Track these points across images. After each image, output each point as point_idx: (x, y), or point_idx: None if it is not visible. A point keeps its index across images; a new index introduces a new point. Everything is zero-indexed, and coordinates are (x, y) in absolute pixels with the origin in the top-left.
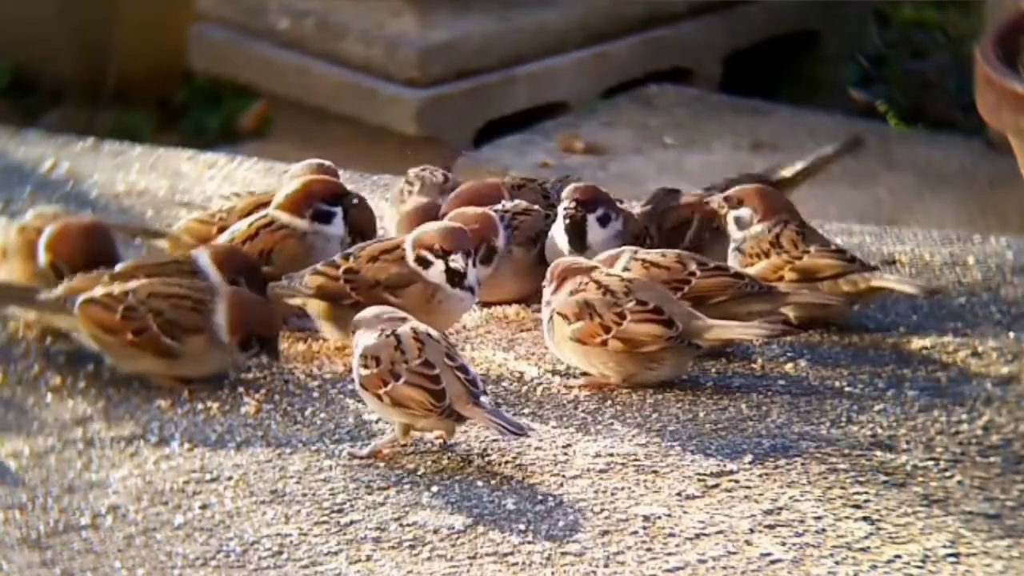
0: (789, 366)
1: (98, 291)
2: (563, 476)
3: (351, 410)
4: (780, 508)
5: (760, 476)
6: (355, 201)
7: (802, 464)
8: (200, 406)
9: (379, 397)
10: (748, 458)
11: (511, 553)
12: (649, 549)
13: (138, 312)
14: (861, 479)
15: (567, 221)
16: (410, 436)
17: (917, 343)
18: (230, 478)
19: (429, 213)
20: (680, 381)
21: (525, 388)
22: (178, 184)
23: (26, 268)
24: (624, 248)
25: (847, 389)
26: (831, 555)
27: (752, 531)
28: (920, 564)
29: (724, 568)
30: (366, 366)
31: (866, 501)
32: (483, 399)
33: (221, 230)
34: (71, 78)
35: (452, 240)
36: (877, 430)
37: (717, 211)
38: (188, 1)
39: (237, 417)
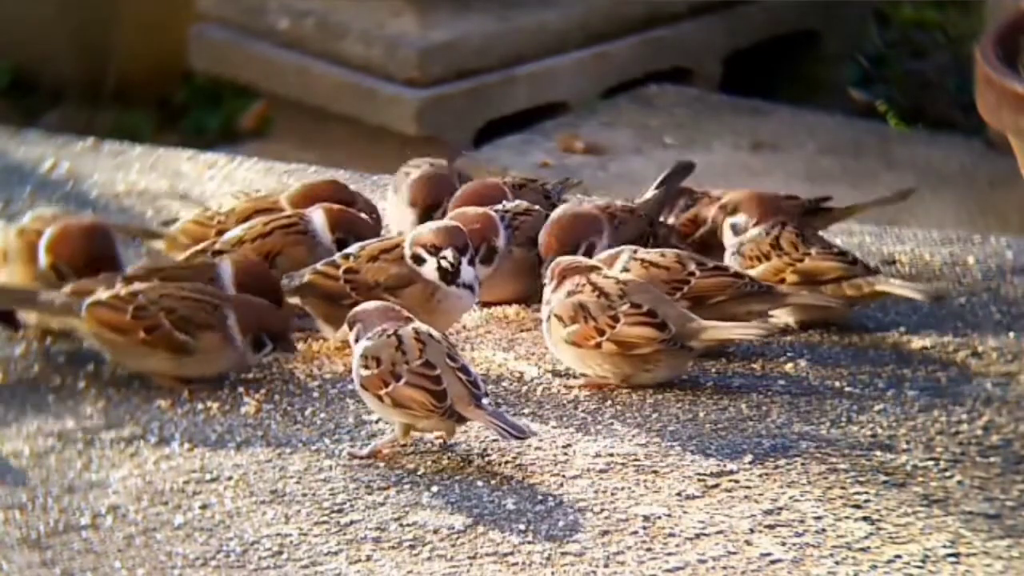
0: (789, 366)
1: (104, 293)
2: (563, 476)
3: (351, 410)
4: (780, 508)
5: (760, 476)
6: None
7: (802, 464)
8: (200, 406)
9: (380, 398)
10: (748, 458)
11: (511, 553)
12: (649, 549)
13: (149, 311)
14: (861, 479)
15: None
16: (410, 436)
17: (917, 343)
18: (230, 478)
19: (440, 181)
20: (680, 381)
21: (525, 388)
22: (178, 184)
23: (27, 271)
24: (623, 248)
25: (847, 389)
26: (831, 555)
27: (752, 531)
28: (920, 564)
29: (724, 568)
30: (367, 367)
31: (866, 501)
32: (484, 401)
33: (219, 232)
34: (71, 78)
35: (444, 237)
36: (877, 430)
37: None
38: (188, 1)
39: (237, 417)
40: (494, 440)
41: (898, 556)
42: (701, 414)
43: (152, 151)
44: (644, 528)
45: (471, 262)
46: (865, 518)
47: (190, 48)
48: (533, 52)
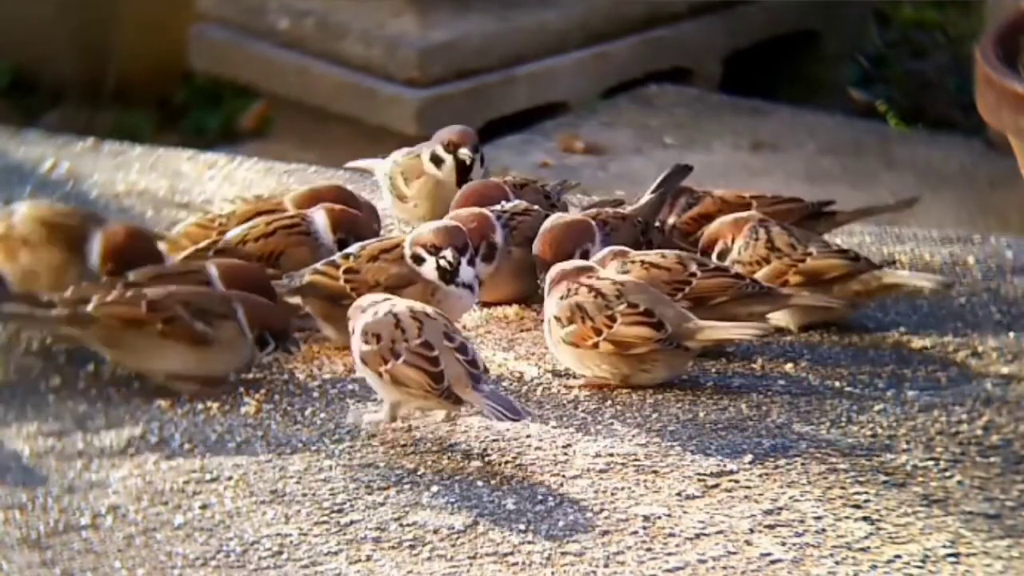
0: (789, 366)
1: (109, 295)
2: (563, 476)
3: (351, 410)
4: (780, 508)
5: (760, 476)
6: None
7: (802, 464)
8: (200, 406)
9: (379, 374)
10: (748, 458)
11: (511, 553)
12: (649, 549)
13: (164, 303)
14: (861, 479)
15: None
16: (399, 418)
17: (917, 343)
18: (230, 478)
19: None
20: (680, 381)
21: (525, 388)
22: (178, 184)
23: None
24: (621, 249)
25: (847, 389)
26: (831, 555)
27: (752, 531)
28: (920, 564)
29: (724, 568)
30: (367, 342)
31: (866, 501)
32: (482, 383)
33: (220, 235)
34: (71, 78)
35: (444, 236)
36: (877, 430)
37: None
38: (188, 1)
39: (237, 417)
40: (494, 440)
41: (898, 556)
42: (701, 414)
43: (152, 151)
44: (644, 528)
45: (471, 262)
46: (865, 518)
47: (190, 48)
48: (533, 52)
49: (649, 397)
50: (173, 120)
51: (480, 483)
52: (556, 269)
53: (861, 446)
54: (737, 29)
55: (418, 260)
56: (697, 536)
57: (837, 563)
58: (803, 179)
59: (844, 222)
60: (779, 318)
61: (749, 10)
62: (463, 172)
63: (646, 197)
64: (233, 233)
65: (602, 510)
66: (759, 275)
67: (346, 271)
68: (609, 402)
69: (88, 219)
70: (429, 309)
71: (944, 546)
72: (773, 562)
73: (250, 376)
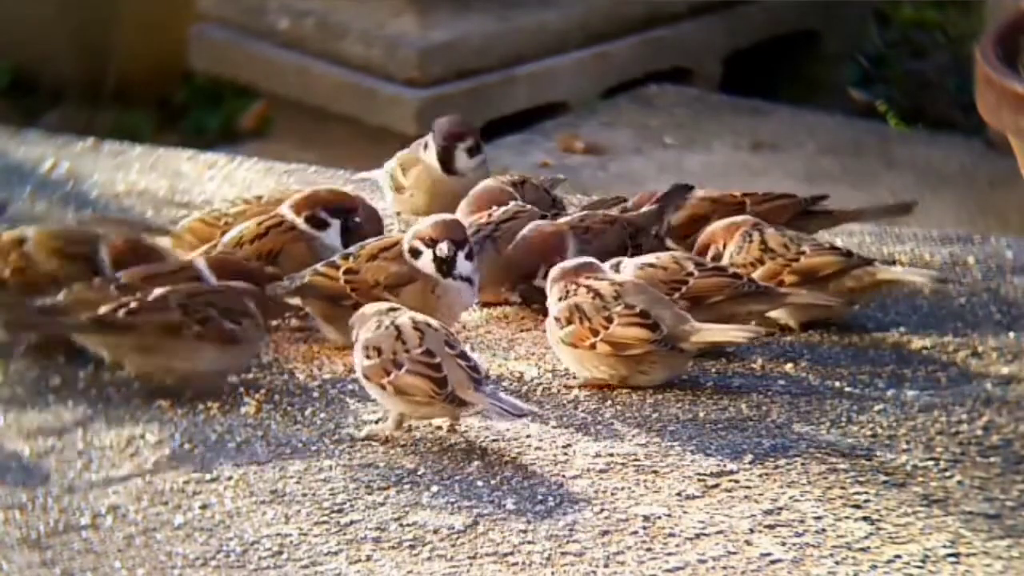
0: (789, 366)
1: (132, 301)
2: (563, 476)
3: (351, 410)
4: (780, 508)
5: (760, 476)
6: (357, 220)
7: (802, 464)
8: (200, 406)
9: (382, 387)
10: (748, 458)
11: (511, 553)
12: (649, 549)
13: (194, 305)
14: (861, 479)
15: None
16: (403, 428)
17: (917, 343)
18: (230, 478)
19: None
20: (680, 381)
21: (525, 388)
22: (178, 184)
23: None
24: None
25: (847, 389)
26: (831, 555)
27: (752, 531)
28: (920, 564)
29: (724, 568)
30: (368, 356)
31: (866, 501)
32: (484, 385)
33: (224, 233)
34: (71, 78)
35: (440, 229)
36: (877, 430)
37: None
38: (188, 1)
39: (237, 417)
40: (494, 440)
41: (898, 556)
42: (701, 414)
43: (152, 151)
44: (644, 528)
45: (468, 256)
46: (865, 518)
47: (190, 48)
48: (533, 52)
49: (649, 397)
50: (173, 120)
51: (480, 483)
52: (557, 268)
53: (861, 446)
54: (737, 29)
55: (415, 254)
56: (697, 536)
57: (837, 563)
58: (803, 179)
59: (839, 221)
60: (780, 316)
61: (749, 10)
62: (447, 159)
63: (645, 208)
64: (229, 236)
65: (602, 510)
66: (755, 276)
67: (346, 271)
68: (609, 402)
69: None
70: (432, 320)
71: (944, 546)
72: (773, 562)
73: (250, 376)
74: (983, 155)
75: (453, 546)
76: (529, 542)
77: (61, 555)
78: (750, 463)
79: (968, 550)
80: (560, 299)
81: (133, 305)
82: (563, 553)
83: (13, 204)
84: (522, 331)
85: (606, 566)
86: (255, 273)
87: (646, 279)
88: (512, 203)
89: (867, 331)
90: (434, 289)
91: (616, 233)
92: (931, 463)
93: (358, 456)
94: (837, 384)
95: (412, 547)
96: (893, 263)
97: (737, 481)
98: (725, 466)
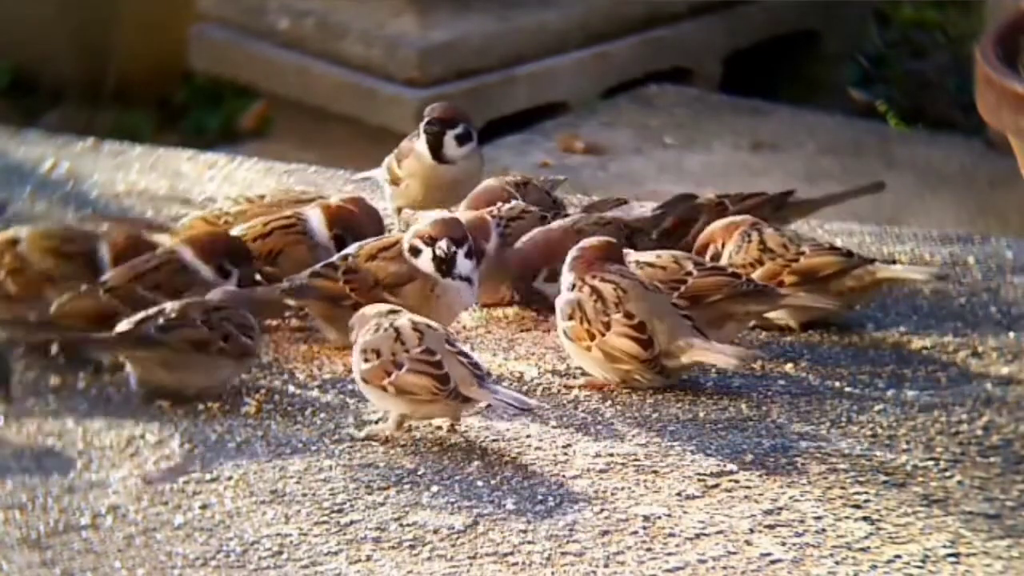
0: (789, 366)
1: (160, 318)
2: (563, 476)
3: (351, 410)
4: (780, 508)
5: (760, 476)
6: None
7: (802, 464)
8: (200, 406)
9: (383, 388)
10: (748, 458)
11: (511, 553)
12: (649, 549)
13: (214, 321)
14: (861, 479)
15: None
16: (403, 429)
17: (917, 343)
18: (230, 478)
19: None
20: (680, 381)
21: (525, 388)
22: (178, 184)
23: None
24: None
25: (847, 389)
26: (831, 555)
27: (752, 531)
28: (920, 564)
29: (724, 568)
30: (367, 360)
31: (866, 501)
32: (487, 381)
33: None
34: (71, 78)
35: (440, 228)
36: (877, 430)
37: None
38: (188, 1)
39: (237, 417)
40: (494, 440)
41: (898, 556)
42: (701, 414)
43: (152, 151)
44: (644, 528)
45: (468, 255)
46: (865, 518)
47: (190, 48)
48: (533, 52)
49: (649, 397)
50: (173, 120)
51: (480, 483)
52: (577, 249)
53: (861, 446)
54: (737, 29)
55: (415, 252)
56: (697, 536)
57: (837, 563)
58: (803, 179)
59: (812, 210)
60: (780, 316)
61: (749, 10)
62: (436, 145)
63: (648, 213)
64: (234, 233)
65: (602, 510)
66: (754, 276)
67: (345, 272)
68: (609, 402)
69: (90, 237)
70: (431, 322)
71: (944, 546)
72: (773, 562)
73: (250, 376)
74: (983, 155)
75: (453, 546)
76: (529, 542)
77: (61, 555)
78: (750, 463)
79: (968, 550)
80: (569, 289)
81: (161, 321)
82: (563, 553)
83: (13, 204)
84: (522, 331)
85: (606, 566)
86: (239, 250)
87: (646, 278)
88: (515, 202)
89: (867, 331)
90: (433, 288)
91: (611, 234)
92: (931, 463)
93: (358, 456)
94: (837, 384)
95: (412, 547)
96: (893, 263)
97: (737, 481)
98: (725, 466)
